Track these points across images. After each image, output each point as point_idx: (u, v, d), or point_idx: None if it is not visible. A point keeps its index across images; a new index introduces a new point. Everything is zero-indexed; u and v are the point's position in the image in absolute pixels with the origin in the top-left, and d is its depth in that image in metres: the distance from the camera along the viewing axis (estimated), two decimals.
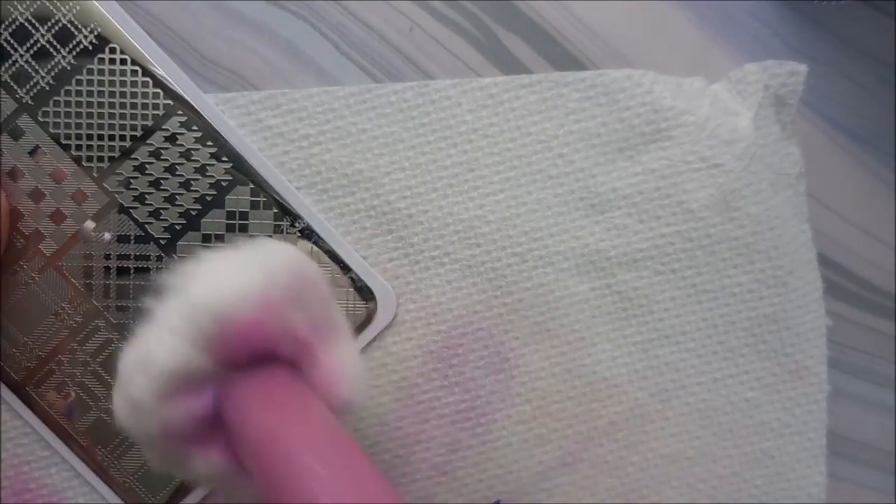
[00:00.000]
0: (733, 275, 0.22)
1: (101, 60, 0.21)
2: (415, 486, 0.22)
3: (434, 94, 0.22)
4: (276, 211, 0.22)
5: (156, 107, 0.21)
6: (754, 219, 0.22)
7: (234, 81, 0.22)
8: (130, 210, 0.21)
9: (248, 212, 0.22)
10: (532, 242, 0.22)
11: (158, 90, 0.21)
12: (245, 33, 0.22)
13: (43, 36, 0.21)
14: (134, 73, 0.21)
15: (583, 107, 0.22)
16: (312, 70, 0.22)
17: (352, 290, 0.22)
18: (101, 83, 0.21)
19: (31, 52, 0.21)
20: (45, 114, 0.21)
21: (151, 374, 0.14)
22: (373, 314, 0.22)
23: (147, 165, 0.21)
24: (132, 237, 0.22)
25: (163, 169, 0.21)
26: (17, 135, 0.21)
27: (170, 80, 0.21)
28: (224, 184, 0.22)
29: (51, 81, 0.21)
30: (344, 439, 0.14)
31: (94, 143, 0.21)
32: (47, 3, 0.21)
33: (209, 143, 0.21)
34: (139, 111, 0.21)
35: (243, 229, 0.22)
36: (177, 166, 0.21)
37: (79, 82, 0.21)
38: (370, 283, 0.22)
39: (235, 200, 0.22)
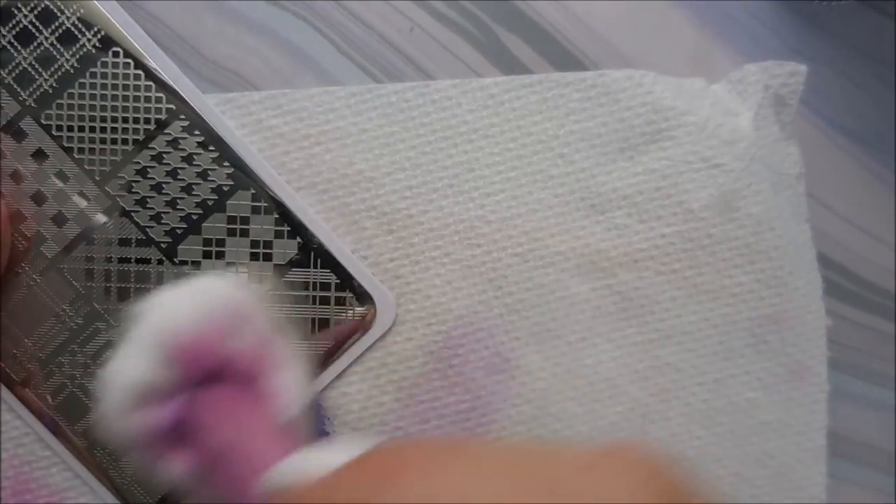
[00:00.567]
0: (734, 275, 0.22)
1: (105, 64, 0.21)
2: None
3: (434, 95, 0.22)
4: (277, 216, 0.22)
5: (158, 111, 0.21)
6: (755, 219, 0.22)
7: (234, 81, 0.22)
8: (132, 213, 0.22)
9: (248, 216, 0.22)
10: (533, 243, 0.22)
11: (161, 94, 0.21)
12: (245, 33, 0.22)
13: (47, 38, 0.21)
14: (137, 76, 0.21)
15: (583, 107, 0.22)
16: (312, 70, 0.22)
17: (352, 296, 0.22)
18: (104, 86, 0.21)
19: (35, 54, 0.21)
20: (48, 116, 0.21)
21: (120, 387, 0.17)
22: (372, 320, 0.22)
23: (149, 169, 0.21)
24: (133, 240, 0.22)
25: (164, 173, 0.22)
26: (19, 137, 0.21)
27: (173, 83, 0.21)
28: (225, 188, 0.22)
29: (54, 84, 0.21)
30: (285, 445, 0.17)
31: (97, 146, 0.21)
32: (51, 6, 0.21)
33: (211, 147, 0.21)
34: (142, 115, 0.21)
35: (244, 234, 0.22)
36: (178, 170, 0.22)
37: (82, 85, 0.21)
38: (370, 290, 0.22)
39: (236, 205, 0.22)
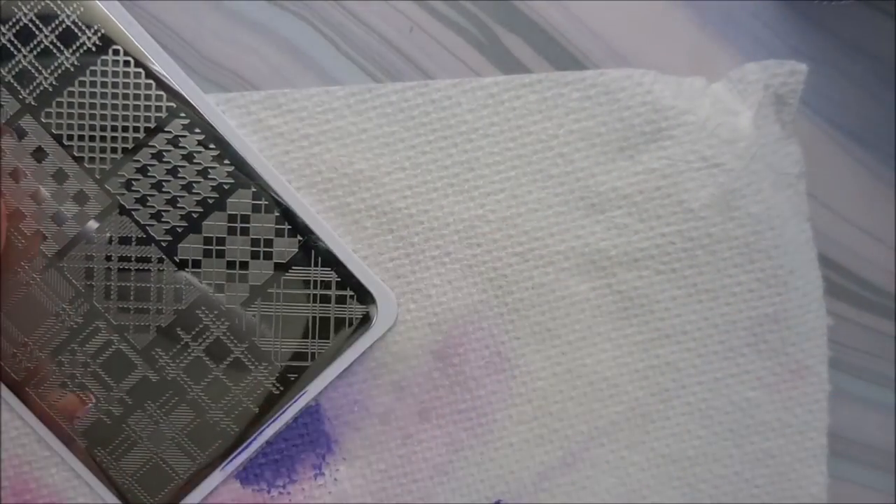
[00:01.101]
0: (734, 274, 0.22)
1: (105, 62, 0.21)
2: (415, 486, 0.22)
3: (434, 94, 0.22)
4: (277, 215, 0.22)
5: (158, 109, 0.21)
6: (755, 218, 0.22)
7: (234, 81, 0.22)
8: (132, 212, 0.22)
9: (249, 215, 0.22)
10: (533, 242, 0.22)
11: (161, 92, 0.21)
12: (245, 33, 0.22)
13: (47, 37, 0.21)
14: (137, 74, 0.21)
15: (583, 106, 0.22)
16: (312, 70, 0.23)
17: (353, 295, 0.22)
18: (104, 84, 0.21)
19: (35, 52, 0.21)
20: (48, 114, 0.21)
21: None
22: (373, 319, 0.22)
23: (149, 167, 0.21)
24: (133, 239, 0.22)
25: (165, 171, 0.22)
26: (19, 135, 0.21)
27: (173, 82, 0.21)
28: (226, 187, 0.22)
29: (54, 82, 0.21)
30: None
31: (97, 144, 0.21)
32: (51, 4, 0.21)
33: (211, 145, 0.21)
34: (142, 113, 0.21)
35: (244, 232, 0.22)
36: (179, 168, 0.22)
37: (82, 83, 0.21)
38: (372, 290, 0.22)
39: (237, 203, 0.22)
